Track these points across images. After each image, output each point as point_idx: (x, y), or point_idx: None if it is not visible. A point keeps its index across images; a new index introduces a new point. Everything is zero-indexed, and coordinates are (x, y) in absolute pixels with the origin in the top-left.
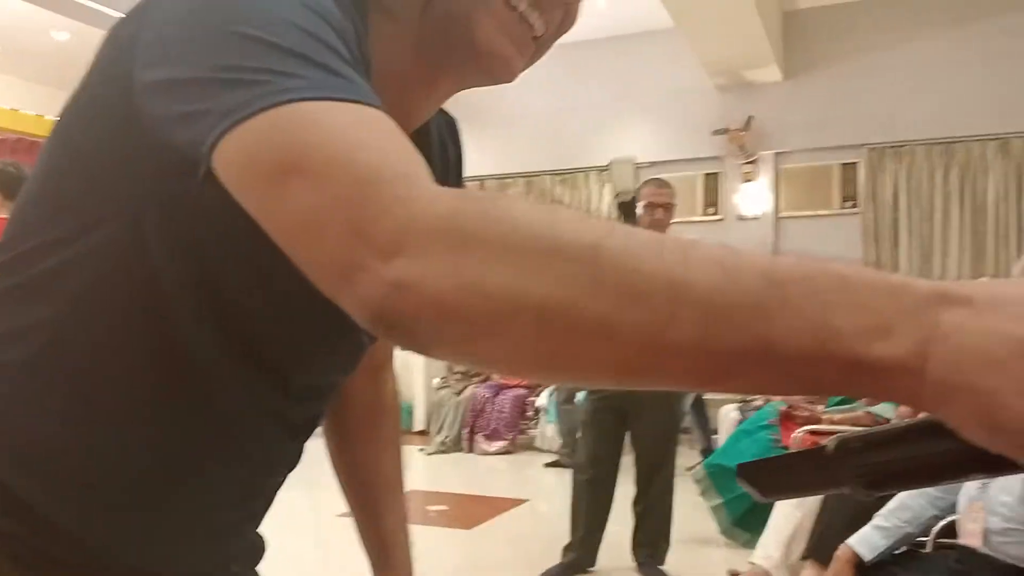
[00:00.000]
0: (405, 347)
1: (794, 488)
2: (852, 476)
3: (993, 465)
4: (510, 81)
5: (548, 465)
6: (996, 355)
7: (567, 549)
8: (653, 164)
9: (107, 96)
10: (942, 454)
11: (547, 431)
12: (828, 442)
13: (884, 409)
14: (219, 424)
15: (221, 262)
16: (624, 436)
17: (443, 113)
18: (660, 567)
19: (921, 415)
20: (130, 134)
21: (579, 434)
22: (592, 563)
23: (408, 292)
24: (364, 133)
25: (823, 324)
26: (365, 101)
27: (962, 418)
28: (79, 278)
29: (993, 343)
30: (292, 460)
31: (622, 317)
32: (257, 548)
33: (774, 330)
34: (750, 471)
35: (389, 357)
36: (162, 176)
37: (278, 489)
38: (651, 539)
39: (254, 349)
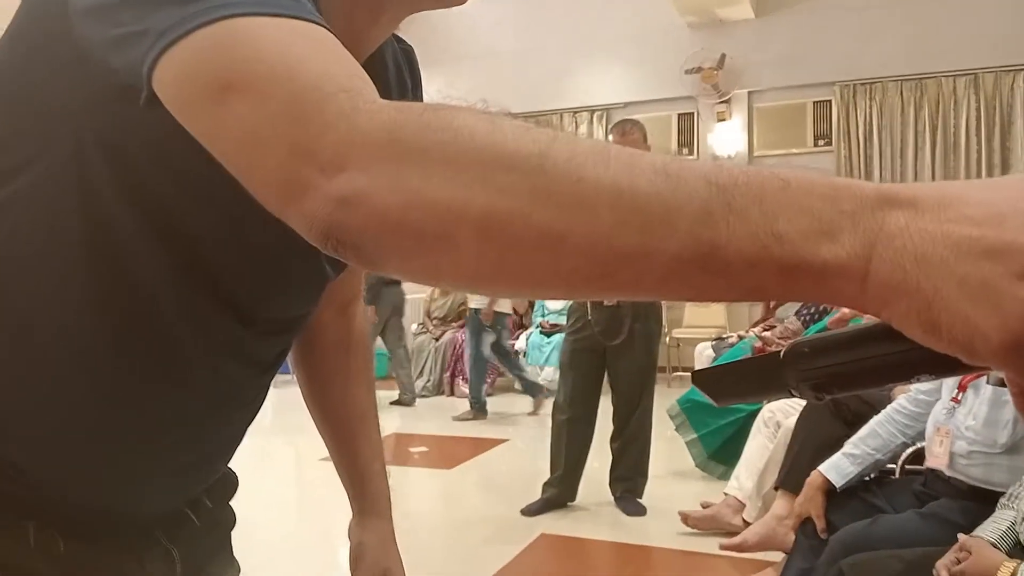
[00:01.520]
0: (356, 263)
1: (745, 392)
2: (801, 379)
3: (938, 365)
4: (462, 3)
5: (393, 404)
6: (938, 255)
7: (547, 485)
8: (627, 105)
9: (39, 30)
10: (888, 356)
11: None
12: (782, 349)
13: None
14: (180, 362)
15: (169, 191)
16: (603, 376)
17: (399, 41)
18: (638, 500)
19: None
20: (67, 66)
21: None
22: (572, 498)
23: (353, 207)
24: (304, 48)
25: (766, 228)
26: (306, 17)
27: (904, 319)
28: (19, 215)
29: (936, 243)
30: (259, 395)
31: (568, 226)
32: (229, 483)
33: (719, 235)
34: (704, 378)
35: (357, 292)
36: (103, 105)
37: (248, 424)
38: (629, 474)
39: (211, 282)
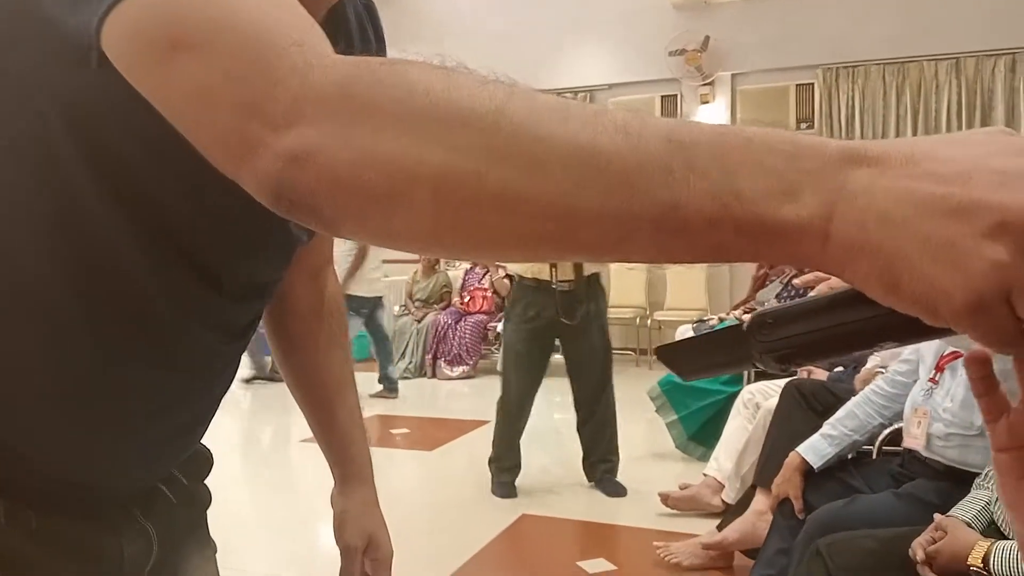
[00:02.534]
0: (313, 226)
1: (710, 366)
2: (764, 351)
3: (902, 331)
4: None
5: (247, 380)
6: (901, 214)
7: (506, 471)
8: (611, 86)
9: None
10: (850, 323)
11: None
12: (746, 320)
13: None
14: (153, 329)
15: (130, 155)
16: (548, 361)
17: None
18: (617, 480)
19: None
20: (27, 31)
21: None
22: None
23: (304, 165)
24: (256, 1)
25: (726, 187)
26: None
27: (866, 279)
28: None
29: (900, 202)
30: (232, 363)
31: (524, 186)
32: (203, 460)
33: (678, 194)
34: (669, 352)
35: (328, 257)
36: (63, 69)
37: (222, 394)
38: (606, 456)
39: (179, 248)
